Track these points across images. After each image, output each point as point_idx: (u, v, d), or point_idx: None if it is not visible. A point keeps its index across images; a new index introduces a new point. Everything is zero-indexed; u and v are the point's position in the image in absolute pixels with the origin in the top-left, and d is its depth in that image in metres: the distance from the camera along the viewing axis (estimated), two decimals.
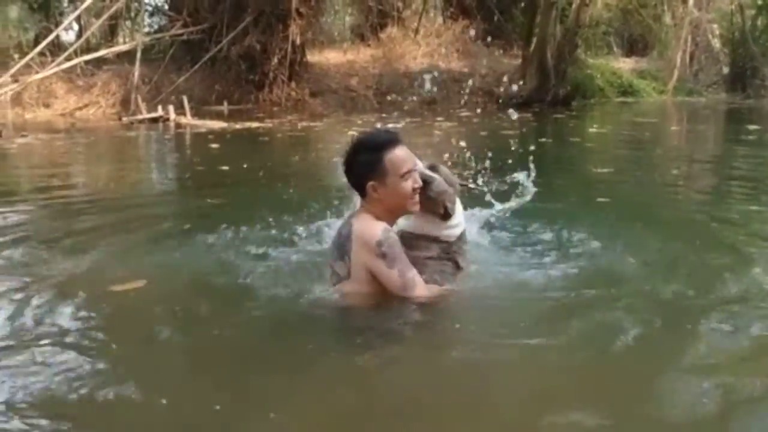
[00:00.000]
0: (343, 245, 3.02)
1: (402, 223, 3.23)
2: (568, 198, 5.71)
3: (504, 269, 3.46)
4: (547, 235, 4.08)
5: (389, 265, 2.94)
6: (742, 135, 12.27)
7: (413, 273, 2.99)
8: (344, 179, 3.13)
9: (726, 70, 25.52)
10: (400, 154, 3.00)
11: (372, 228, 2.97)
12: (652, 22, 26.56)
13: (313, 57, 20.06)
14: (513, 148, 6.26)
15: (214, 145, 10.11)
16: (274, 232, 4.12)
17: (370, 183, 3.01)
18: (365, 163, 3.01)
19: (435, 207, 3.13)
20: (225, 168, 7.58)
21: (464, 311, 3.11)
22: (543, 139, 11.50)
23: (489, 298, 3.16)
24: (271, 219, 4.25)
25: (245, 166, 7.64)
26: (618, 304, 3.03)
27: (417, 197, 3.05)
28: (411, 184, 3.01)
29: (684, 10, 25.07)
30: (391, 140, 3.04)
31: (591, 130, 12.98)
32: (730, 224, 4.72)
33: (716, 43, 25.57)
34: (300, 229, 4.01)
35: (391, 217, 3.10)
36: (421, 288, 3.00)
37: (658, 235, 4.26)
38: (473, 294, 3.18)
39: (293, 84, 18.44)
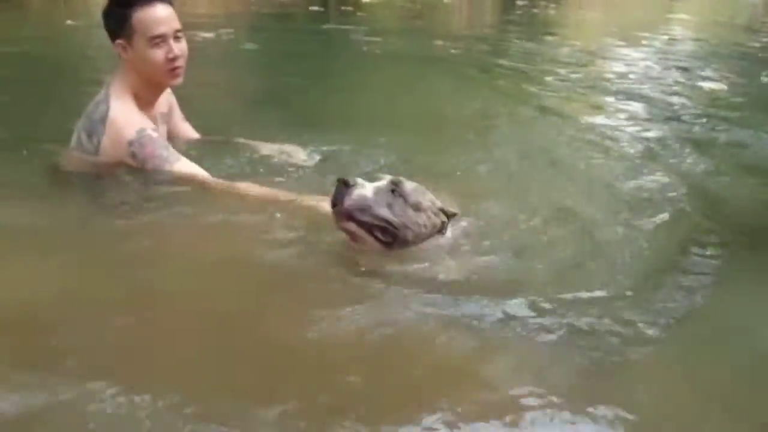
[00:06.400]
0: (95, 125, 2.71)
1: None
2: None
3: None
4: None
5: (139, 164, 2.68)
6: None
7: (173, 160, 2.71)
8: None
9: None
10: (153, 14, 2.65)
11: (126, 124, 2.69)
12: None
13: None
14: None
15: None
16: None
17: (118, 41, 2.70)
18: (113, 18, 2.70)
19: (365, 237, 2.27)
20: None
21: None
22: None
23: None
24: None
25: None
26: None
27: (176, 69, 2.73)
28: (164, 53, 2.67)
29: None
30: None
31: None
32: None
33: None
34: None
35: (149, 90, 2.81)
36: (183, 167, 2.73)
37: None
38: None
39: None
